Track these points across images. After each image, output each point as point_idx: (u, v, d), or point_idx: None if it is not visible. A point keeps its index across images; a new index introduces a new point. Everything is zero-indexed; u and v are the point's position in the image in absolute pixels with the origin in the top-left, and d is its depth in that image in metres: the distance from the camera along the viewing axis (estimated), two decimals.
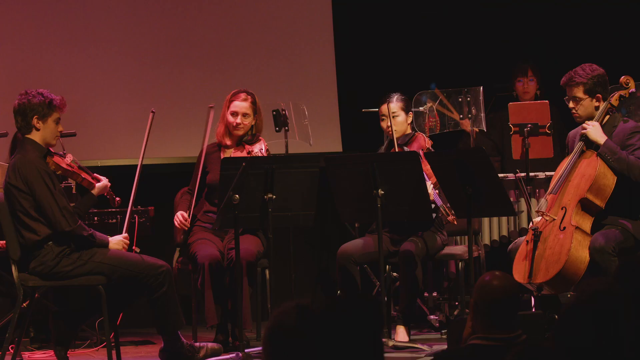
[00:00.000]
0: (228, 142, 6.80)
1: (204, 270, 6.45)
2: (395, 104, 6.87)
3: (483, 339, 3.65)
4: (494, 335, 3.63)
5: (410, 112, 6.95)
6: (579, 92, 6.19)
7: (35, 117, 5.93)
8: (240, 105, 6.76)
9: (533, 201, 7.02)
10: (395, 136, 6.82)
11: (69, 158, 6.13)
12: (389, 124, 6.83)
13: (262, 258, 6.69)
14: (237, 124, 6.75)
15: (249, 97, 6.79)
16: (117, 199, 6.28)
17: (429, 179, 6.53)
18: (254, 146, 6.74)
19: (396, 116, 6.86)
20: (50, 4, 8.40)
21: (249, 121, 6.78)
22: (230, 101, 6.80)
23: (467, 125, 7.51)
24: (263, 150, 6.70)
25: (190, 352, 6.10)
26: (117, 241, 6.09)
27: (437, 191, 6.49)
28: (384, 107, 6.88)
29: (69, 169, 6.07)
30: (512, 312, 3.70)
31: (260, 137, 6.84)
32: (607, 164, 6.05)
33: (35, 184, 5.85)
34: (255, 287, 6.72)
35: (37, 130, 5.94)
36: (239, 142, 6.82)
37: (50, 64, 8.30)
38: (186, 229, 6.70)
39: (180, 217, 6.70)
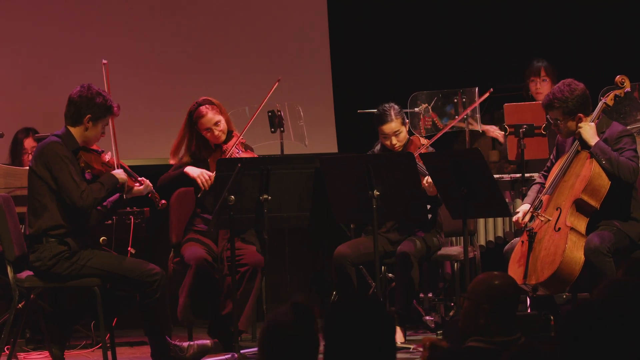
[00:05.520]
0: (206, 155, 6.75)
1: (190, 271, 6.46)
2: (395, 122, 6.72)
3: (482, 341, 3.64)
4: (493, 339, 3.62)
5: (407, 121, 6.89)
6: (559, 115, 6.17)
7: (89, 116, 5.90)
8: (209, 119, 6.68)
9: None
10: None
11: (106, 157, 6.09)
12: (392, 142, 6.75)
13: None
14: (217, 136, 6.72)
15: (208, 106, 6.70)
16: (163, 201, 6.22)
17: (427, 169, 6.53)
18: (229, 143, 6.72)
19: (399, 133, 6.75)
20: (49, 6, 8.39)
21: (223, 124, 6.73)
22: (195, 123, 6.70)
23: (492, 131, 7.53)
24: (238, 145, 6.67)
25: (174, 352, 6.09)
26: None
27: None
28: (386, 128, 6.72)
29: (101, 168, 6.02)
30: (515, 310, 3.70)
31: (234, 133, 6.81)
32: (599, 164, 6.05)
33: (54, 166, 5.82)
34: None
35: (86, 129, 5.93)
36: (216, 146, 6.79)
37: (48, 66, 8.30)
38: (207, 188, 6.60)
39: (206, 174, 6.60)
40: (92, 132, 5.95)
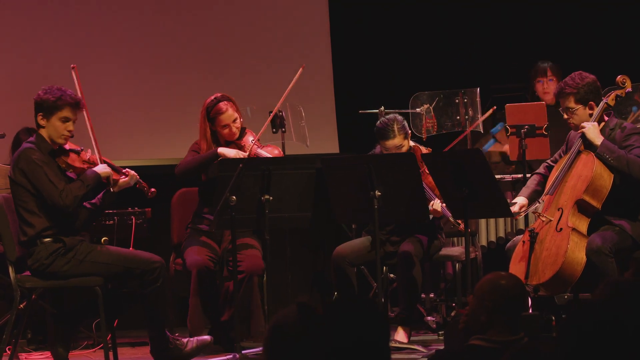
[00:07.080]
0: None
1: (191, 277, 6.46)
2: (398, 138, 6.64)
3: (483, 340, 3.64)
4: (495, 338, 3.62)
5: (409, 132, 6.82)
6: (571, 103, 6.18)
7: (40, 114, 5.92)
8: (228, 115, 6.68)
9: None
10: None
11: (87, 154, 6.07)
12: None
13: None
14: (234, 133, 6.72)
15: (227, 102, 6.70)
16: (152, 189, 6.20)
17: (433, 192, 6.52)
18: (244, 140, 6.72)
19: (401, 147, 6.67)
20: (51, 7, 8.39)
21: (239, 121, 6.75)
22: (213, 119, 6.69)
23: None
24: (254, 140, 6.68)
25: (174, 345, 6.10)
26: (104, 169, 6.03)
27: (444, 204, 6.47)
28: (389, 143, 6.64)
29: (83, 166, 6.02)
30: (520, 311, 3.71)
31: (246, 130, 6.81)
32: (606, 163, 6.05)
33: (29, 171, 5.84)
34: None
35: (42, 127, 5.94)
36: (229, 142, 6.79)
37: (48, 66, 8.30)
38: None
39: (242, 154, 6.55)
40: (51, 129, 5.93)
